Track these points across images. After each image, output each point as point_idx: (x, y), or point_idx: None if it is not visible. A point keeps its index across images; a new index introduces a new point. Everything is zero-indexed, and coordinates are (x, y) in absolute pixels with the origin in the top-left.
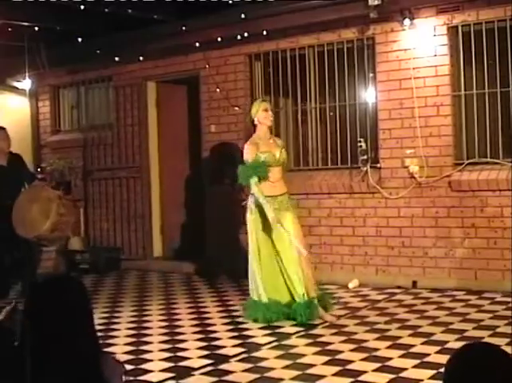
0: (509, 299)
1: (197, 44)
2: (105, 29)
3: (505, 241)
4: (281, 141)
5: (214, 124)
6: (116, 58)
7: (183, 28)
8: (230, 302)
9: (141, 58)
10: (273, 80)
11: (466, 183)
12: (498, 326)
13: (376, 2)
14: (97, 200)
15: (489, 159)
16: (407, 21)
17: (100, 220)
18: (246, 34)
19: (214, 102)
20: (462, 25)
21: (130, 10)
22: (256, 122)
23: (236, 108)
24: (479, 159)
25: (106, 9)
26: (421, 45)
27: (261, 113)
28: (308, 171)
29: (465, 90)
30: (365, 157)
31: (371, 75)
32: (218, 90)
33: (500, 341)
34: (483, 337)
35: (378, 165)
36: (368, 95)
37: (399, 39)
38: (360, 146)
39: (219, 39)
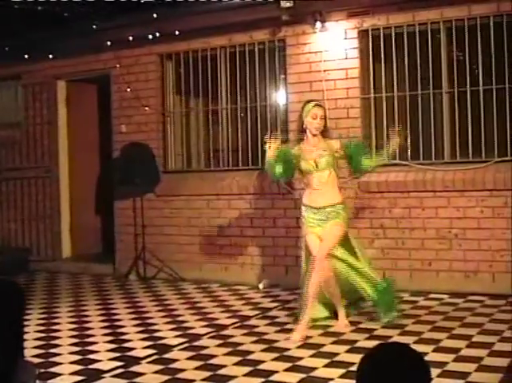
0: (416, 298)
1: (108, 43)
2: (14, 26)
3: (412, 241)
4: (333, 144)
5: (124, 123)
6: (26, 56)
7: (94, 26)
8: (140, 304)
9: (51, 56)
10: (184, 81)
11: (374, 185)
12: (406, 325)
13: (288, 5)
14: (5, 200)
15: (397, 161)
16: (318, 24)
17: (8, 221)
18: (157, 34)
19: (124, 102)
20: (372, 29)
21: (40, 7)
22: (304, 126)
23: (146, 108)
24: (388, 161)
25: (16, 6)
26: (332, 48)
27: (309, 119)
28: (218, 171)
29: (374, 93)
30: None
31: (282, 77)
32: (128, 90)
33: (408, 339)
34: (392, 336)
35: None
36: (278, 96)
37: (311, 41)
38: None
39: (131, 38)
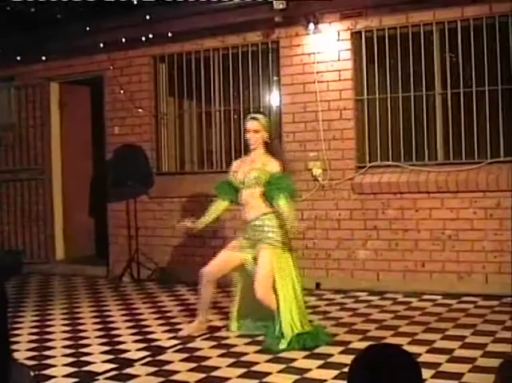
0: (409, 299)
1: (101, 45)
2: (7, 27)
3: (405, 242)
4: (271, 164)
5: (117, 125)
6: (18, 58)
7: (87, 28)
8: (134, 306)
9: (44, 58)
10: (177, 83)
11: (368, 186)
12: (400, 326)
13: (281, 6)
14: None
15: (390, 163)
16: (311, 26)
17: (1, 223)
18: (150, 36)
19: (118, 104)
20: (366, 31)
21: (33, 9)
22: None
23: (140, 110)
24: (381, 162)
25: (8, 8)
26: (325, 50)
27: (246, 133)
28: (212, 173)
29: (367, 95)
30: None
31: (275, 78)
32: (122, 92)
33: (402, 341)
34: (386, 337)
35: None
36: (272, 98)
37: (304, 43)
38: None
39: (124, 40)
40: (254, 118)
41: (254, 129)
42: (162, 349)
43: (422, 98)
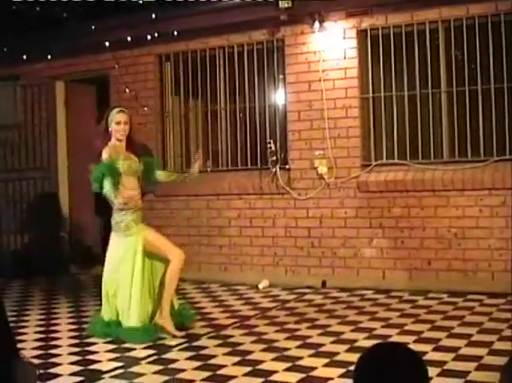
0: (415, 298)
1: (107, 43)
2: (13, 27)
3: (411, 241)
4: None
5: None
6: (24, 57)
7: (93, 27)
8: None
9: (49, 57)
10: (183, 81)
11: (373, 184)
12: (406, 324)
13: (287, 5)
14: (3, 202)
15: (396, 161)
16: (317, 24)
17: (8, 222)
18: (156, 35)
19: (123, 102)
20: (371, 29)
21: (39, 9)
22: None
23: (145, 109)
24: (387, 160)
25: (14, 7)
26: (330, 48)
27: (114, 125)
28: (218, 172)
29: (373, 93)
30: (274, 158)
31: (280, 77)
32: (127, 90)
33: (408, 339)
34: (392, 336)
35: (287, 166)
36: (277, 96)
37: (309, 41)
38: (270, 147)
39: (129, 39)
40: (123, 111)
41: (125, 121)
42: (167, 348)
43: (427, 96)
